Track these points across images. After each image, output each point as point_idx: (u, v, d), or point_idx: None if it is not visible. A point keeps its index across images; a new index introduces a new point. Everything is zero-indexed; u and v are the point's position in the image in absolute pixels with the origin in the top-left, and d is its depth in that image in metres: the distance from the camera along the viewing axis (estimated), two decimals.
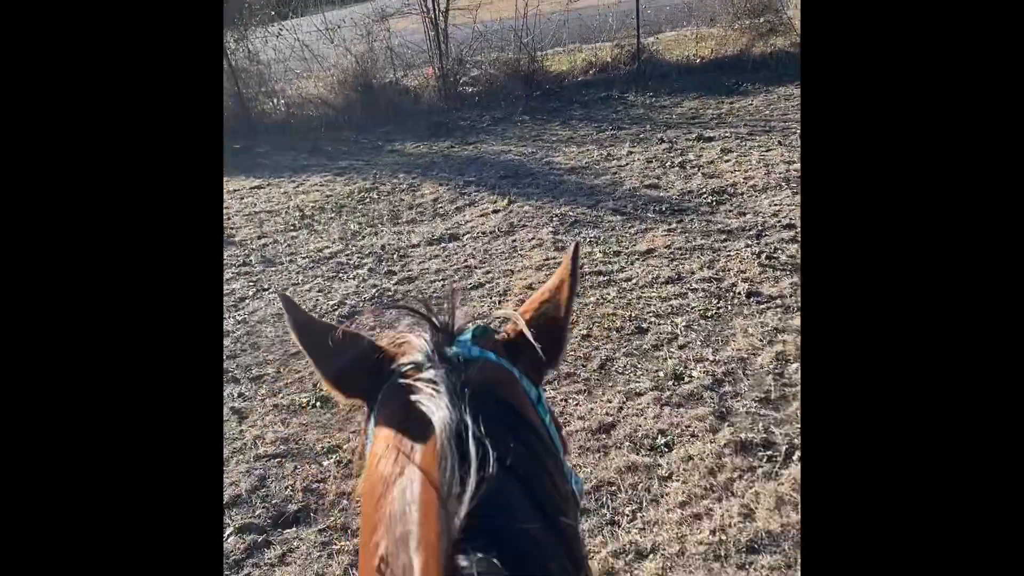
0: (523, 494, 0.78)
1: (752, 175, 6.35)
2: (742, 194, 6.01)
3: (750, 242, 5.15)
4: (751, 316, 4.28)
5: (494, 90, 10.24)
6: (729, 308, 4.41)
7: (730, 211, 5.73)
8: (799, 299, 4.33)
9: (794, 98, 8.53)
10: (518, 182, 7.04)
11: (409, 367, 0.93)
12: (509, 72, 10.29)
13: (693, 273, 4.86)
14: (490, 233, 5.93)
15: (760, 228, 5.35)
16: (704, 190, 6.17)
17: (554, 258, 5.32)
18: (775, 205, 5.71)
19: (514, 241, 5.74)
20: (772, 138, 7.25)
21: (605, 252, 5.31)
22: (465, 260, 5.52)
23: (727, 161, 6.79)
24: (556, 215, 6.08)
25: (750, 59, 10.03)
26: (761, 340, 4.04)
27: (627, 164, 7.10)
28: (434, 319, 0.98)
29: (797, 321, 4.12)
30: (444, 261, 5.59)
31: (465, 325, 1.00)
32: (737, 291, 4.56)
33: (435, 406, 0.80)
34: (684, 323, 4.31)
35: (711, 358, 3.96)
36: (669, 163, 6.93)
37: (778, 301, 4.38)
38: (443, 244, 5.89)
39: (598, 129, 8.43)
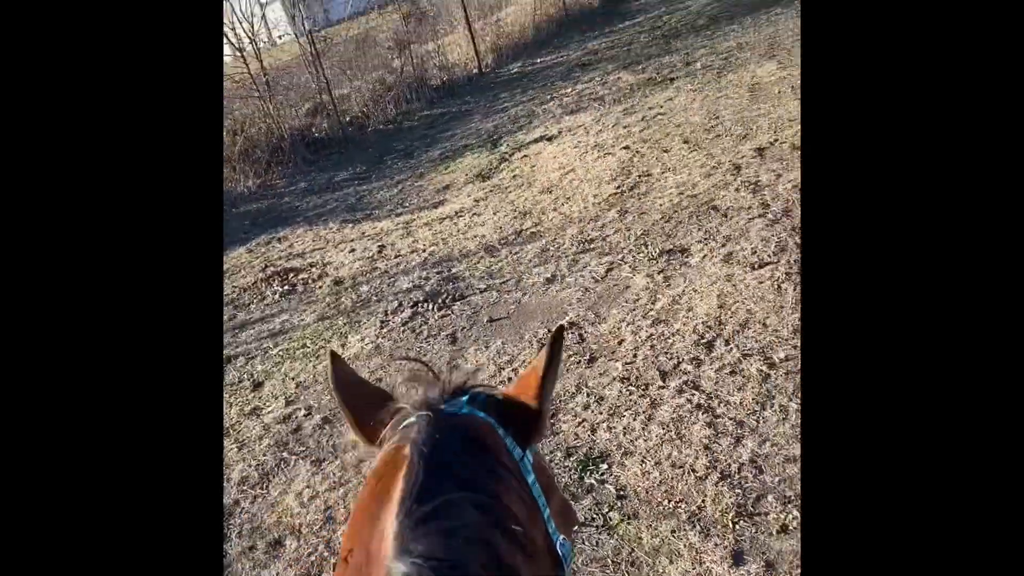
0: (470, 503, 0.90)
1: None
2: None
3: None
4: None
5: None
6: None
7: None
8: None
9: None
10: None
11: (407, 421, 1.06)
12: None
13: None
14: None
15: None
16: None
17: None
18: None
19: None
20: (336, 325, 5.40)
21: None
22: None
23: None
24: None
25: None
26: None
27: None
28: (440, 379, 1.11)
29: None
30: None
31: (468, 388, 1.11)
32: None
33: (412, 439, 0.97)
34: None
35: None
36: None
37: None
38: None
39: None
